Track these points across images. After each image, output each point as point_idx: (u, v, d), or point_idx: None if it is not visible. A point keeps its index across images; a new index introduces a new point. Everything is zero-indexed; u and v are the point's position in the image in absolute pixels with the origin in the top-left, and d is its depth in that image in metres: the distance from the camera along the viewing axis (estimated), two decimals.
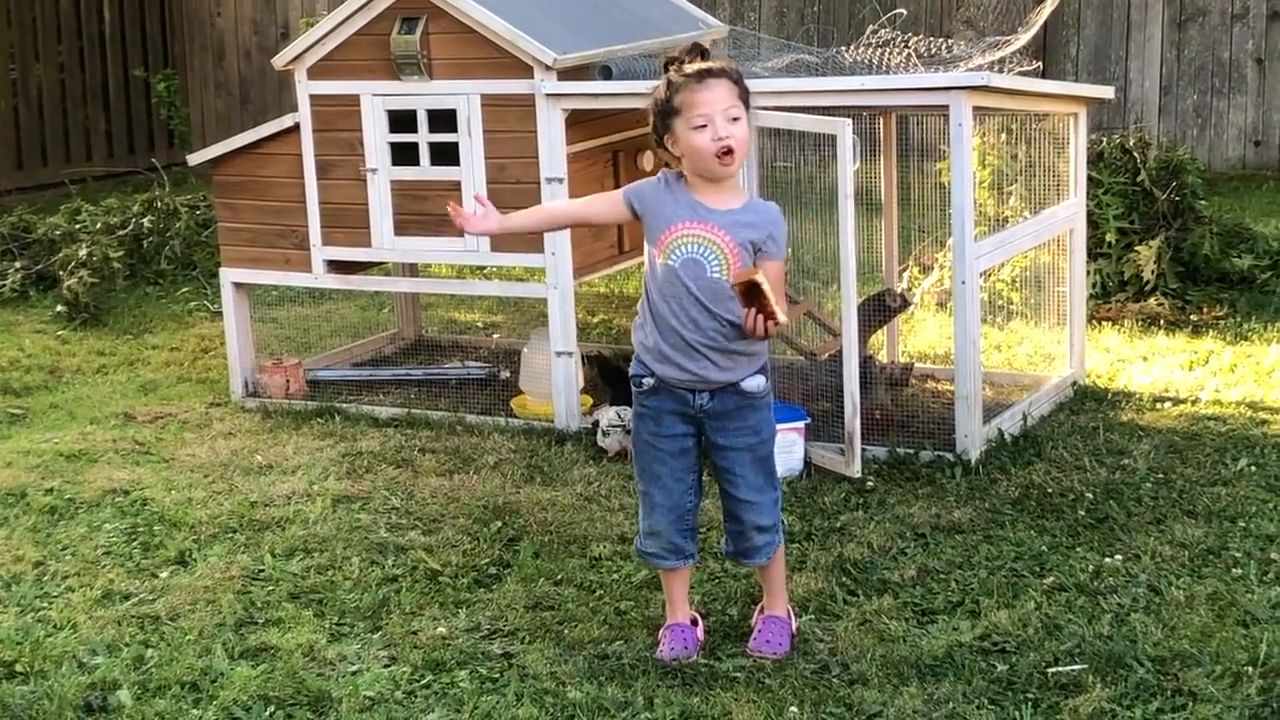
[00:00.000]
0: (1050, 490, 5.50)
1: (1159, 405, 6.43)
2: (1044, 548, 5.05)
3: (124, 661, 4.50)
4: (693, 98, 4.18)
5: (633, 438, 4.49)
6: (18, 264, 9.22)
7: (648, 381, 4.36)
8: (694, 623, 4.51)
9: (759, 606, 4.58)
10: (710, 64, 4.24)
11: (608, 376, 6.54)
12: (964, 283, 5.77)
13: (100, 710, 4.24)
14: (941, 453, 5.80)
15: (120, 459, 6.29)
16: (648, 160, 6.72)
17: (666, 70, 4.27)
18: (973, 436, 5.81)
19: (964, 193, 5.73)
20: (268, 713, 4.20)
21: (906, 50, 6.79)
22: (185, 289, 9.14)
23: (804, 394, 6.17)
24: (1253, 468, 5.68)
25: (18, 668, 4.48)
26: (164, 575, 5.13)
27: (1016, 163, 7.54)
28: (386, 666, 4.43)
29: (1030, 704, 4.08)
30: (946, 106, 5.72)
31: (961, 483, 5.60)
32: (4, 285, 9.06)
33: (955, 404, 5.85)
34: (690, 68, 4.22)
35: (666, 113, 4.22)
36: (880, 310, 6.38)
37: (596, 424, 6.13)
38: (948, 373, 6.53)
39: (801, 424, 5.81)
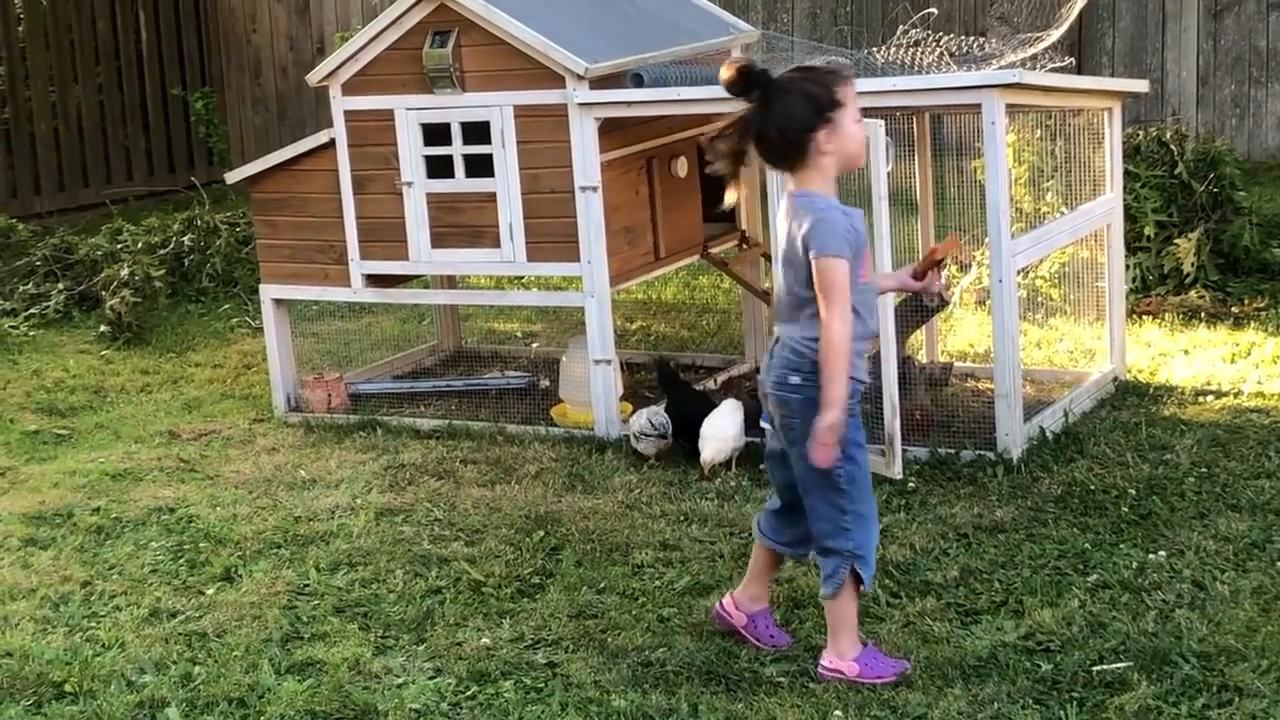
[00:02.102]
0: (1093, 487, 5.48)
1: (1201, 399, 6.40)
2: (1087, 545, 5.03)
3: (172, 679, 4.53)
4: (848, 93, 4.26)
5: (859, 456, 4.31)
6: (60, 285, 9.29)
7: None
8: None
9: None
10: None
11: (664, 381, 6.51)
12: (1001, 280, 5.75)
13: None
14: (983, 452, 5.79)
15: (165, 477, 6.34)
16: (681, 167, 6.72)
17: (823, 78, 4.31)
18: (1014, 435, 5.79)
19: (999, 190, 5.71)
20: None
21: (938, 49, 6.78)
22: (226, 306, 9.19)
23: None
24: None
25: (67, 687, 4.52)
26: (210, 592, 5.17)
27: (1053, 159, 7.51)
28: (432, 678, 4.46)
29: (1075, 703, 4.07)
30: (979, 105, 5.71)
31: (1003, 482, 5.59)
32: (48, 306, 9.13)
33: (996, 402, 5.84)
34: (830, 65, 4.44)
35: (832, 105, 4.22)
36: (918, 310, 6.36)
37: None
38: (988, 371, 6.51)
39: None
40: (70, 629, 4.95)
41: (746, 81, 4.21)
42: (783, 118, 4.20)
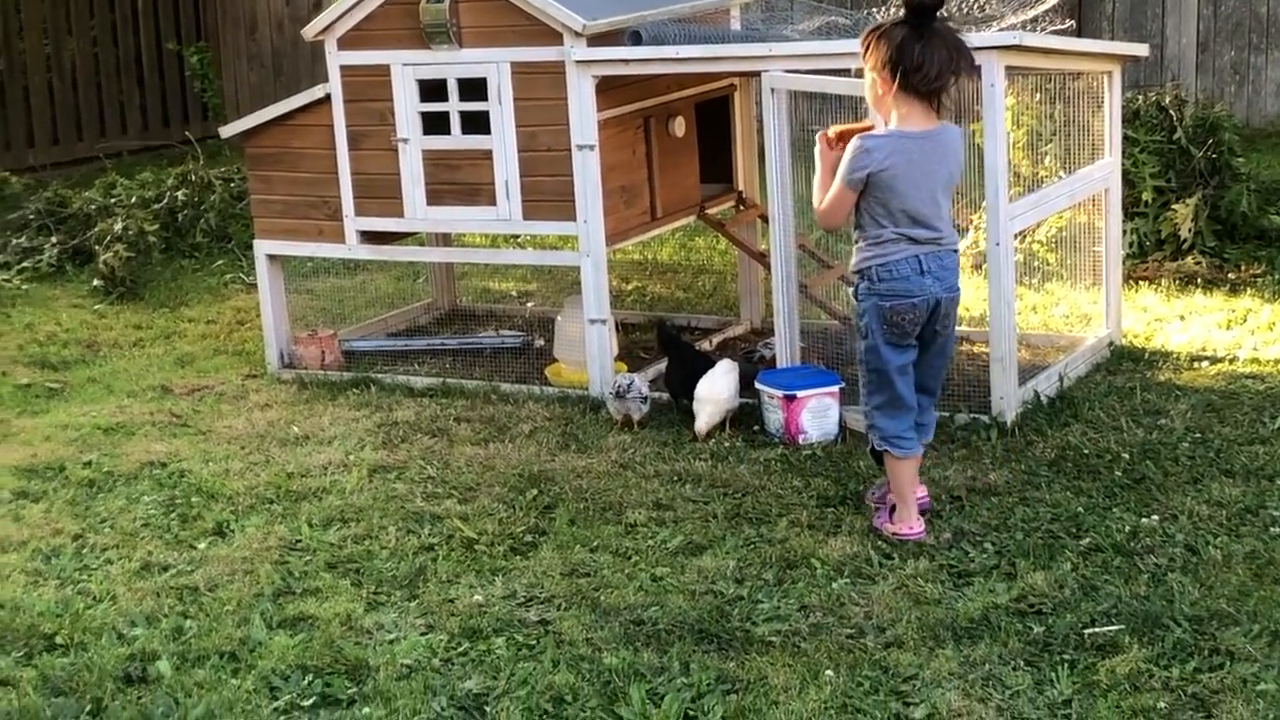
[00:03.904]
0: (1087, 451, 5.48)
1: (1196, 364, 6.39)
2: (1080, 509, 5.03)
3: (163, 632, 4.53)
4: None
5: None
6: (54, 239, 9.27)
7: None
8: None
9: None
10: None
11: (665, 342, 6.47)
12: (998, 244, 5.73)
13: (140, 681, 4.28)
14: (977, 415, 5.78)
15: (158, 431, 6.33)
16: (679, 126, 6.70)
17: None
18: (1008, 398, 5.78)
19: (997, 153, 5.69)
20: (306, 681, 4.22)
21: None
22: (220, 261, 9.17)
23: (838, 358, 6.16)
24: None
25: (58, 640, 4.51)
26: (202, 546, 5.16)
27: (1052, 122, 7.48)
28: (424, 634, 4.45)
29: (1067, 665, 4.07)
30: (979, 67, 5.68)
31: (997, 445, 5.58)
32: (41, 260, 9.11)
33: (991, 366, 5.83)
34: None
35: None
36: None
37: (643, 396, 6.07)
38: (983, 335, 6.49)
39: (836, 388, 5.80)
40: (61, 582, 4.94)
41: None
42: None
